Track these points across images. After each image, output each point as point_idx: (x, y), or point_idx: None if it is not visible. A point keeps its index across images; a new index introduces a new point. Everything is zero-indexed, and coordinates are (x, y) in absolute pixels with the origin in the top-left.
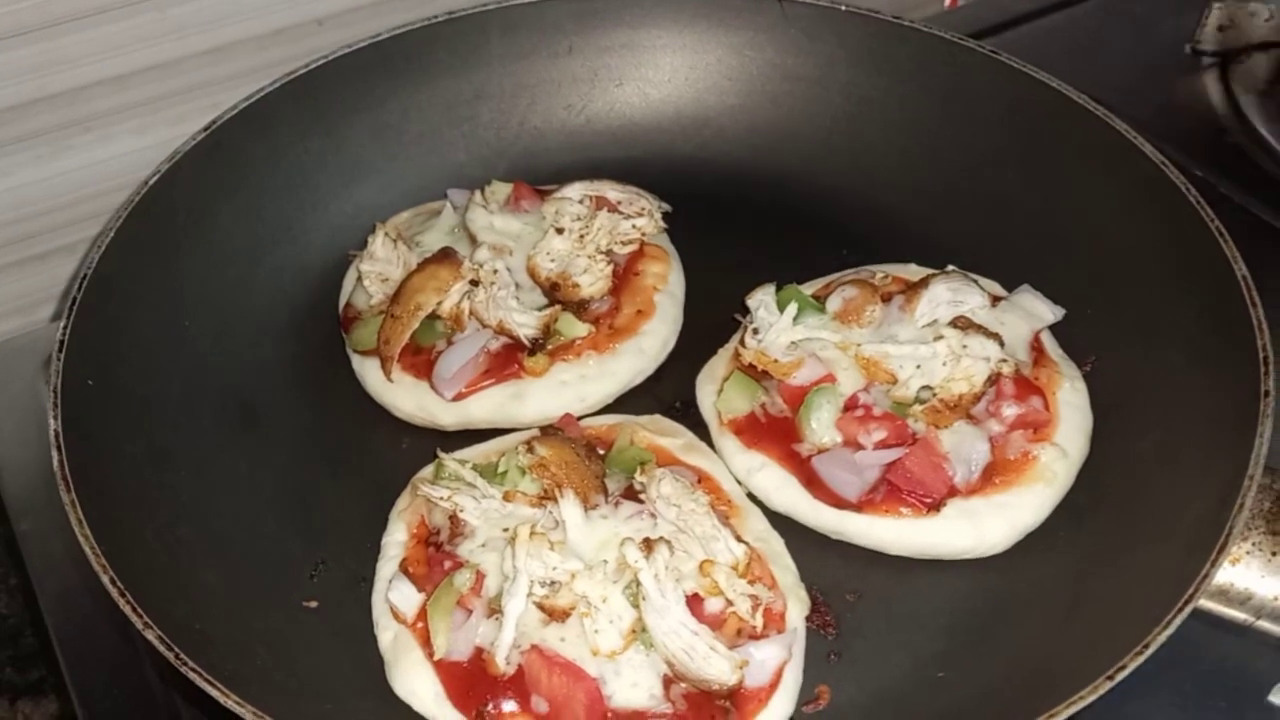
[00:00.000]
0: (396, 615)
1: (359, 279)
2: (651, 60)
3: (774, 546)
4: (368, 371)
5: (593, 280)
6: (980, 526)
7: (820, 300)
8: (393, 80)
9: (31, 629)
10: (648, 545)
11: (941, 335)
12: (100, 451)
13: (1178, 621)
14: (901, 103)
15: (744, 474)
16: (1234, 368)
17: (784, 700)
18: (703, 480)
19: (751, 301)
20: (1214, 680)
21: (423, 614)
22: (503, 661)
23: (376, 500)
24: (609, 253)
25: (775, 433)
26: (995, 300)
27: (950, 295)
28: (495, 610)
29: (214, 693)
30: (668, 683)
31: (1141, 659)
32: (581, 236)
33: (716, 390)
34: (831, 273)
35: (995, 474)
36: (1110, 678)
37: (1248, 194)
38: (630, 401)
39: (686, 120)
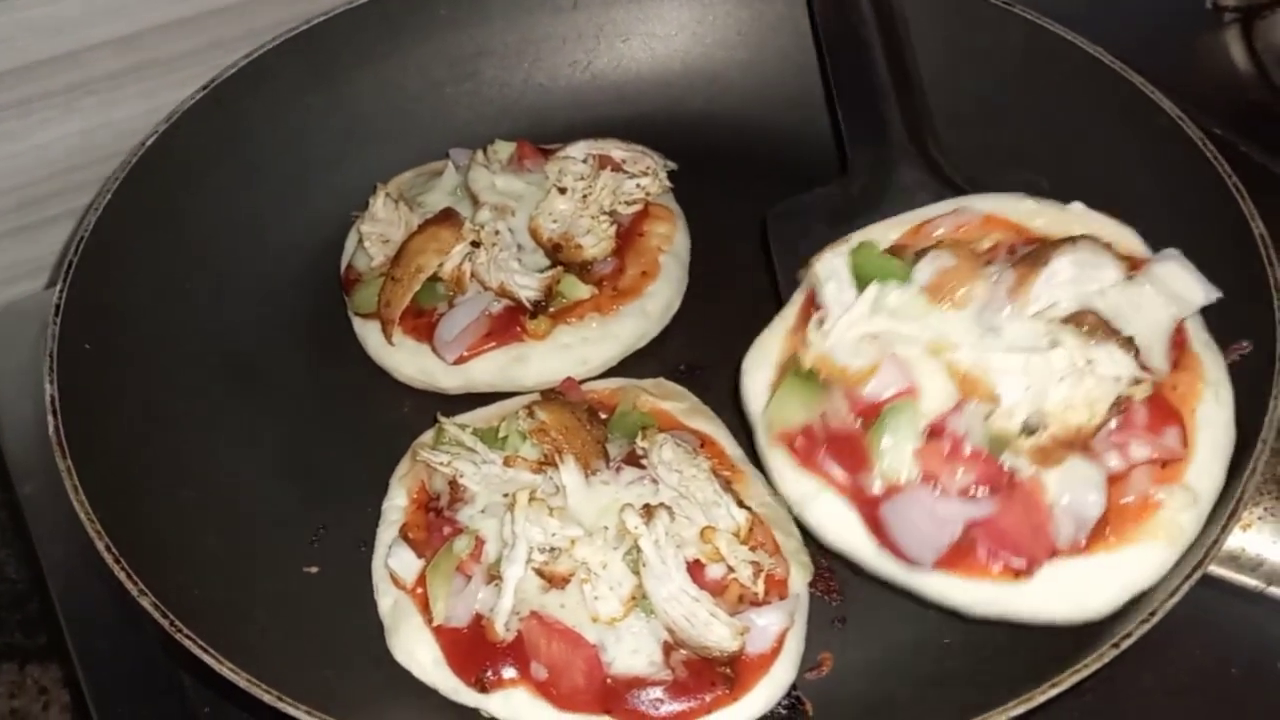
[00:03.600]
0: (396, 581)
1: (360, 240)
2: (658, 14)
3: (777, 512)
4: (369, 334)
5: (595, 241)
6: (1082, 595)
7: (902, 258)
8: (394, 37)
9: (38, 594)
10: (648, 511)
11: (1057, 341)
12: (98, 416)
13: (1186, 588)
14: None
15: (796, 501)
16: (1248, 328)
17: (786, 667)
18: (705, 444)
19: (821, 269)
20: (1225, 648)
21: (422, 580)
22: (502, 628)
23: (377, 465)
24: (613, 213)
25: (839, 451)
26: (1133, 266)
27: (1075, 272)
28: (495, 576)
29: (209, 660)
30: (668, 649)
31: (1148, 626)
32: (584, 196)
33: (768, 387)
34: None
35: (1105, 526)
36: (1116, 645)
37: (1268, 153)
38: (633, 364)
39: (694, 76)
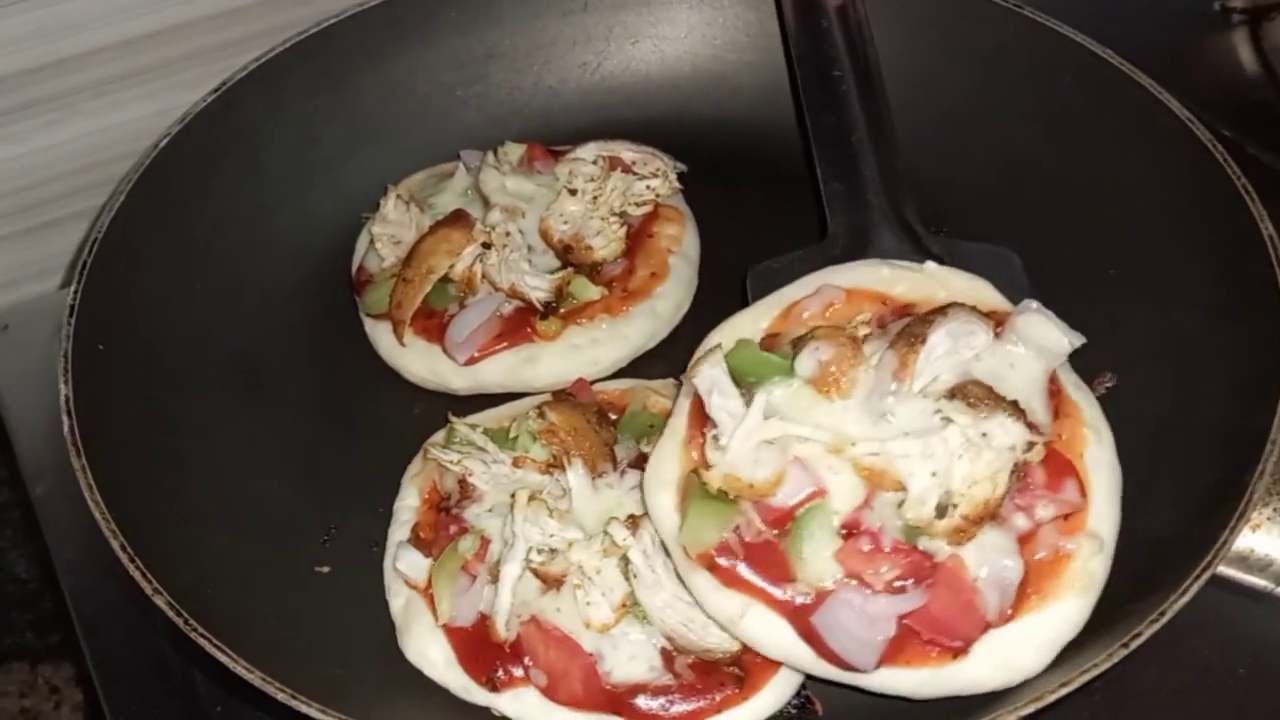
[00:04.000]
0: (408, 580)
1: (371, 242)
2: (668, 16)
3: None
4: (380, 335)
5: (606, 242)
6: (1015, 660)
7: (779, 350)
8: (404, 40)
9: (50, 593)
10: (634, 522)
11: (950, 418)
12: (111, 417)
13: (1195, 589)
14: (921, 59)
15: (726, 621)
16: (1257, 329)
17: None
18: None
19: (701, 383)
20: (1232, 648)
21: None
22: (503, 627)
23: (388, 465)
24: (623, 214)
25: (759, 564)
26: (998, 321)
27: (950, 344)
28: (498, 576)
29: (222, 658)
30: (668, 655)
31: (1157, 626)
32: (595, 198)
33: (676, 512)
34: None
35: (1026, 587)
36: (1126, 645)
37: (1276, 154)
38: (643, 365)
39: (703, 78)
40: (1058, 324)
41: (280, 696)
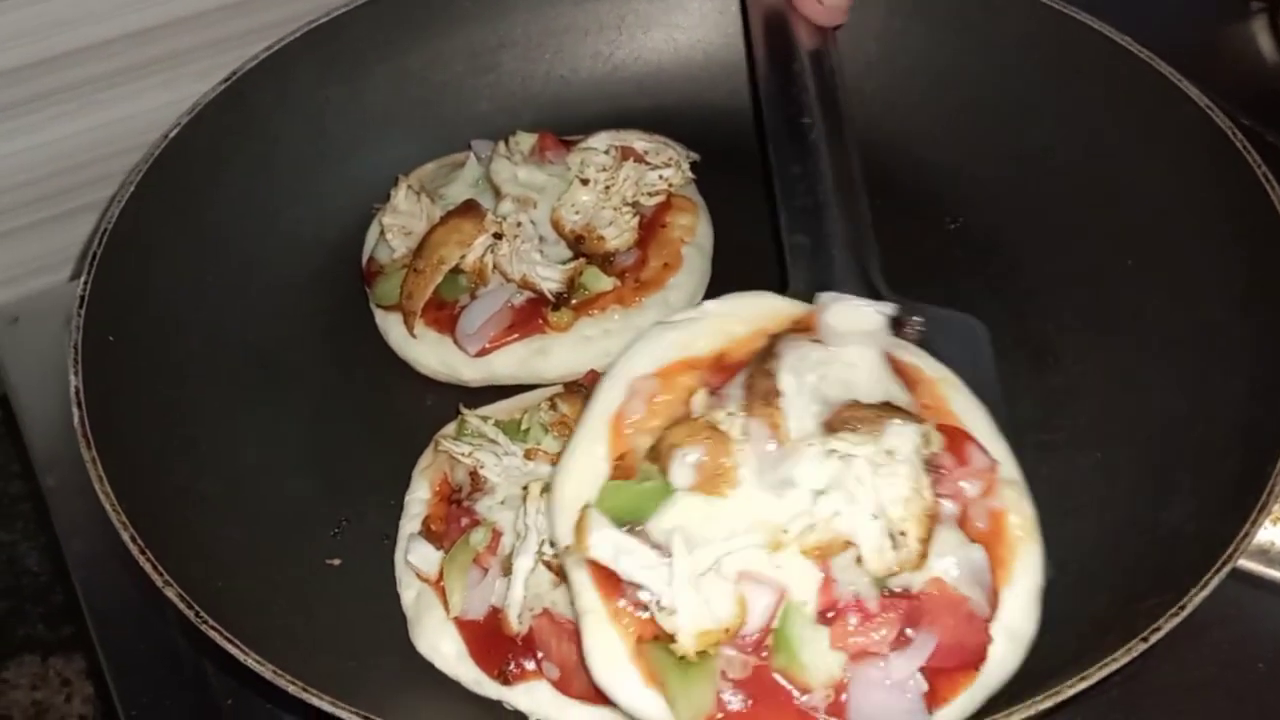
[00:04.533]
0: (419, 574)
1: (382, 233)
2: (680, 5)
3: None
4: (391, 327)
5: (618, 233)
6: (1015, 631)
7: (638, 473)
8: (415, 29)
9: (61, 586)
10: None
11: (849, 454)
12: (121, 408)
13: (1215, 582)
14: (938, 48)
15: None
16: (1278, 319)
17: None
18: None
19: (601, 554)
20: (1252, 643)
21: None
22: (515, 620)
23: (399, 457)
24: (635, 204)
25: (763, 695)
26: (806, 325)
27: (797, 380)
28: (510, 569)
29: (233, 650)
30: None
31: (1178, 620)
32: (607, 188)
33: (643, 685)
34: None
35: (992, 565)
36: (1145, 640)
37: None
38: None
39: (716, 67)
40: (861, 302)
41: (292, 689)
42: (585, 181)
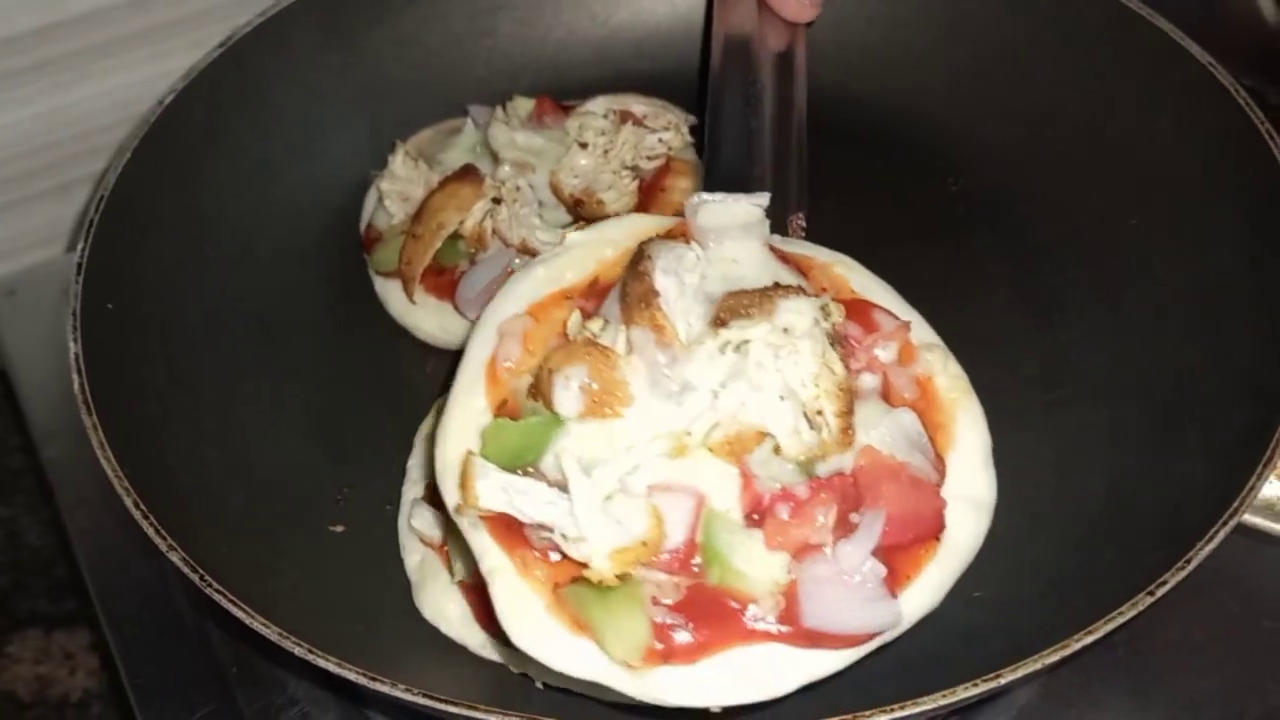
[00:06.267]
0: (423, 538)
1: (380, 199)
2: None
3: None
4: (390, 293)
5: (617, 196)
6: (974, 496)
7: (521, 411)
8: None
9: (63, 560)
10: None
11: (743, 341)
12: (121, 375)
13: (1220, 536)
14: (940, 7)
15: (742, 693)
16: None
17: None
18: None
19: (492, 505)
20: (1258, 599)
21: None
22: None
23: (400, 423)
24: (634, 168)
25: (704, 617)
26: (682, 232)
27: (672, 280)
28: None
29: (239, 614)
30: None
31: (1183, 574)
32: (605, 152)
33: (566, 630)
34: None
35: (929, 429)
36: (1151, 593)
37: None
38: None
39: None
40: (732, 198)
41: (298, 651)
42: (584, 145)
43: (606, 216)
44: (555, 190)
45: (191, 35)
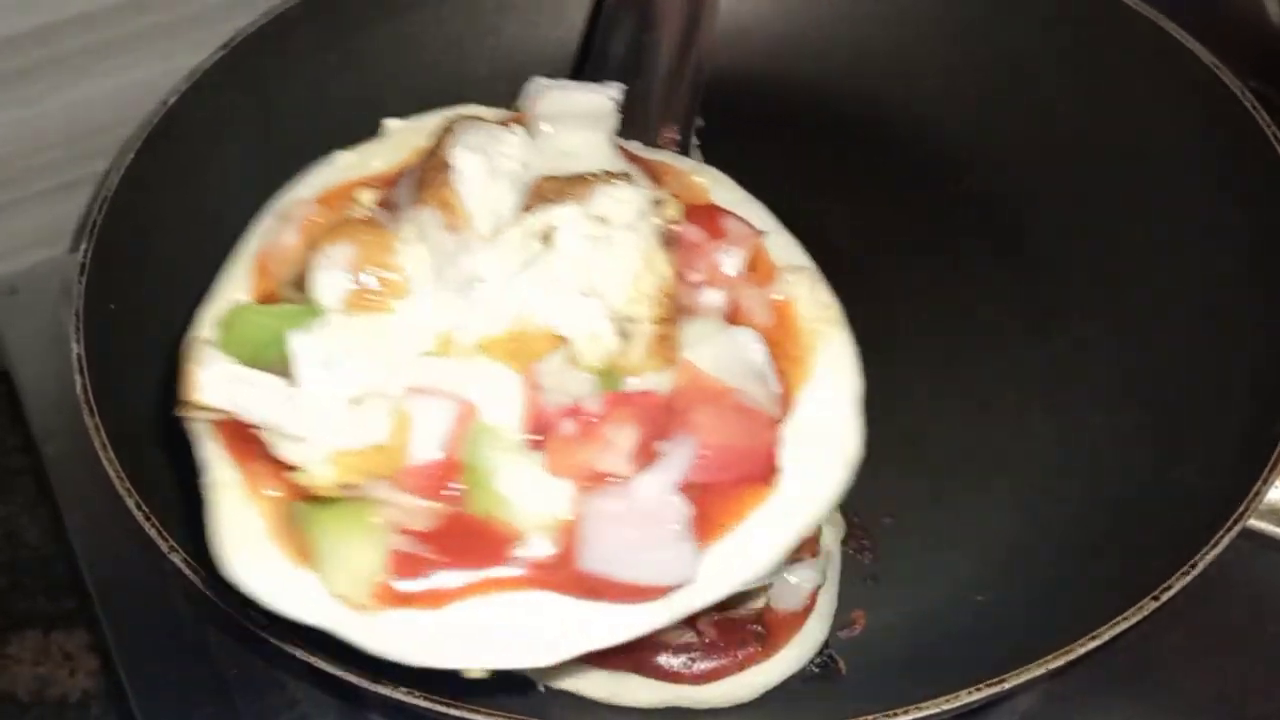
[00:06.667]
0: None
1: None
2: None
3: None
4: None
5: None
6: (829, 437)
7: (284, 298)
8: None
9: (63, 560)
10: None
11: (549, 227)
12: (123, 376)
13: (1226, 540)
14: (944, 7)
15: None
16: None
17: (819, 624)
18: None
19: (212, 399)
20: (1263, 604)
21: None
22: None
23: None
24: None
25: (460, 551)
26: (517, 121)
27: (480, 160)
28: None
29: (239, 616)
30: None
31: (1189, 578)
32: None
33: (284, 559)
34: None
35: (778, 361)
36: (1156, 598)
37: None
38: None
39: (721, 31)
40: (579, 86)
41: (299, 653)
42: None
43: None
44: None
45: (191, 36)
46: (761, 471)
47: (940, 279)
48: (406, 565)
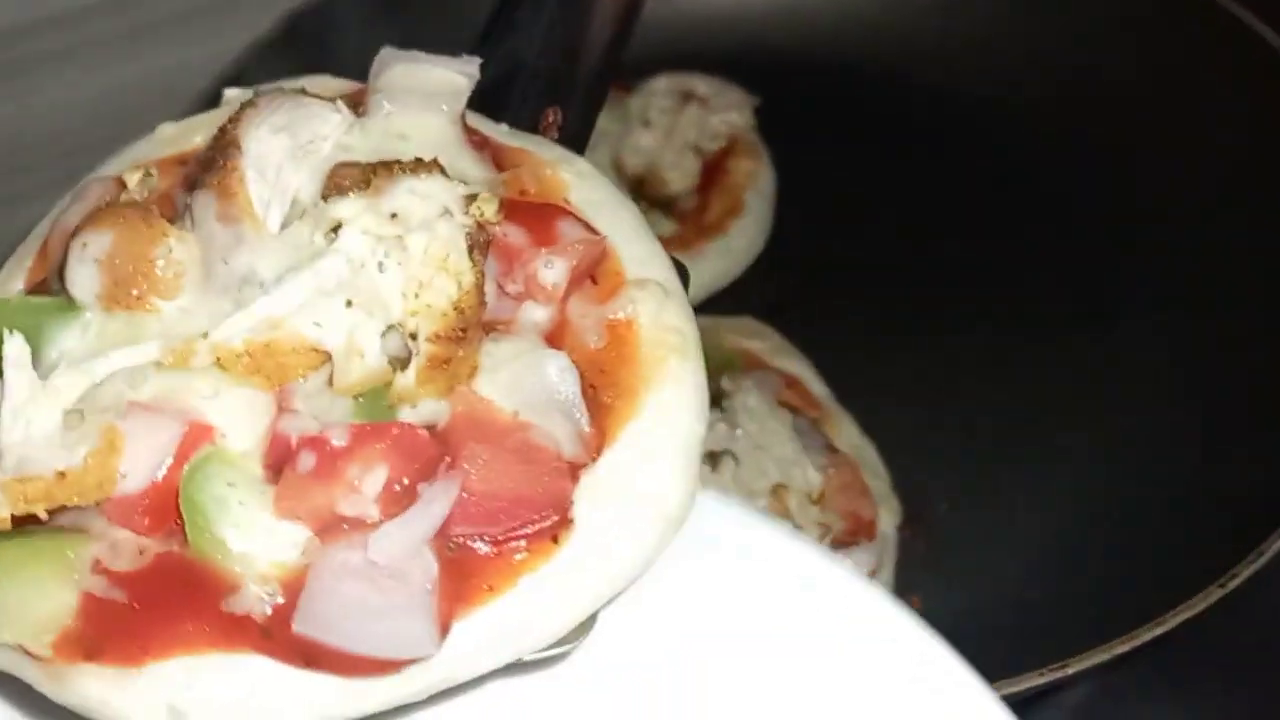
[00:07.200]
0: None
1: None
2: None
3: (867, 454)
4: None
5: (680, 176)
6: (643, 488)
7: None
8: None
9: None
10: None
11: (333, 222)
12: None
13: None
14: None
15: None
16: None
17: None
18: (792, 385)
19: None
20: None
21: None
22: None
23: None
24: (697, 148)
25: (169, 604)
26: (357, 99)
27: (285, 141)
28: None
29: None
30: None
31: (1254, 567)
32: (669, 131)
33: None
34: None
35: (598, 391)
36: (1222, 585)
37: None
38: (717, 303)
39: (780, 9)
40: (434, 59)
41: None
42: (647, 124)
43: (670, 197)
44: (617, 168)
45: (241, 16)
46: (548, 527)
47: (993, 273)
48: (98, 611)
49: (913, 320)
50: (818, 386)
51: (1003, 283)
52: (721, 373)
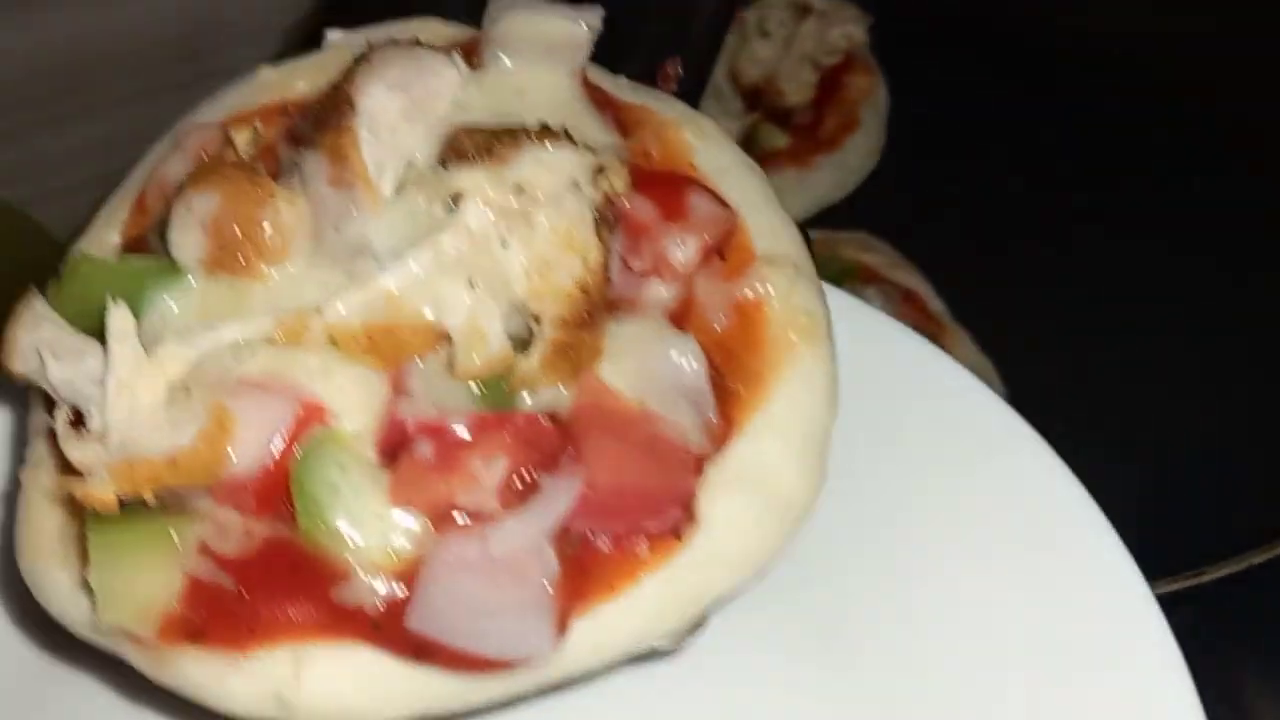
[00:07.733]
0: None
1: None
2: None
3: (985, 371)
4: None
5: (797, 88)
6: (768, 479)
7: (147, 251)
8: None
9: None
10: None
11: (454, 195)
12: None
13: None
14: None
15: (270, 706)
16: None
17: None
18: (908, 299)
19: (24, 365)
20: None
21: None
22: None
23: None
24: (814, 61)
25: (278, 590)
26: (470, 51)
27: (401, 99)
28: None
29: None
30: None
31: None
32: (787, 42)
33: (76, 582)
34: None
35: (724, 379)
36: None
37: None
38: (830, 218)
39: None
40: (553, 8)
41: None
42: (765, 35)
43: (786, 109)
44: (734, 79)
45: None
46: (670, 524)
47: (1117, 194)
48: (203, 595)
49: (1026, 244)
50: (935, 303)
51: (1121, 202)
52: (839, 284)
